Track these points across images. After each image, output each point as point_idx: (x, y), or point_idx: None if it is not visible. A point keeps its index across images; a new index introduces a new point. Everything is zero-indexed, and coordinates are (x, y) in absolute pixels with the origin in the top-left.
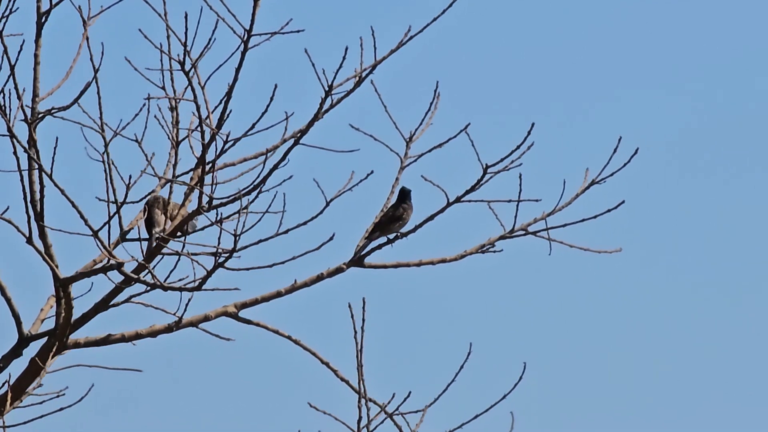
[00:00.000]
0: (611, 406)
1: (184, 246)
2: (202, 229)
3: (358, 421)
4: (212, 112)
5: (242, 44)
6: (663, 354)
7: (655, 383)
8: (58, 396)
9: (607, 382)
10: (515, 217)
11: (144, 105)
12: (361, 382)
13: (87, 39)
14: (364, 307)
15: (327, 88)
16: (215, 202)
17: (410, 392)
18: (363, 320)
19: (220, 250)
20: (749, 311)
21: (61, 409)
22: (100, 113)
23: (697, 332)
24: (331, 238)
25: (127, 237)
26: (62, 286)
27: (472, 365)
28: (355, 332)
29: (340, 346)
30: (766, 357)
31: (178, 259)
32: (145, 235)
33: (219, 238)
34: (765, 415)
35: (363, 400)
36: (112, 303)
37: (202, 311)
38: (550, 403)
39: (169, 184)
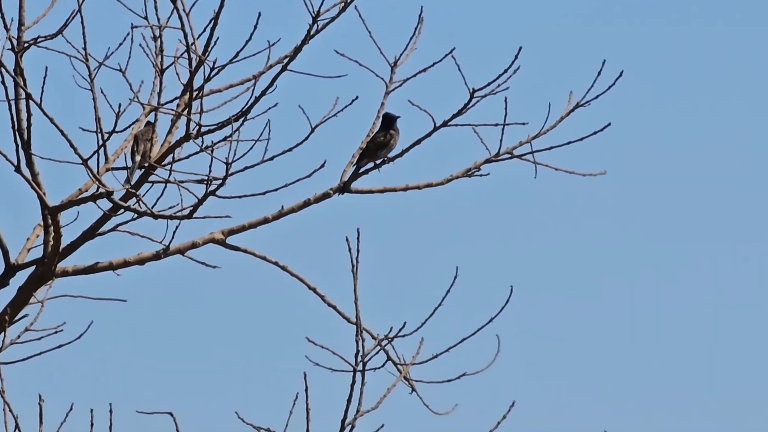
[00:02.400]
0: (596, 329)
1: (170, 173)
2: (187, 157)
3: (356, 354)
4: (197, 39)
5: None
6: (648, 276)
7: (638, 305)
8: (56, 332)
9: (591, 304)
10: (501, 140)
11: (128, 34)
12: (358, 315)
13: None
14: (358, 238)
15: (314, 14)
16: (203, 129)
17: (404, 323)
18: (358, 251)
19: (210, 178)
20: (735, 236)
21: (60, 346)
22: (84, 43)
23: (682, 254)
24: (322, 165)
25: (114, 166)
26: (51, 214)
27: (459, 289)
28: (352, 265)
29: (328, 271)
30: (750, 282)
31: (165, 187)
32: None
33: (210, 166)
34: (752, 344)
35: (360, 333)
36: (99, 232)
37: (189, 239)
38: (537, 326)
39: (155, 112)
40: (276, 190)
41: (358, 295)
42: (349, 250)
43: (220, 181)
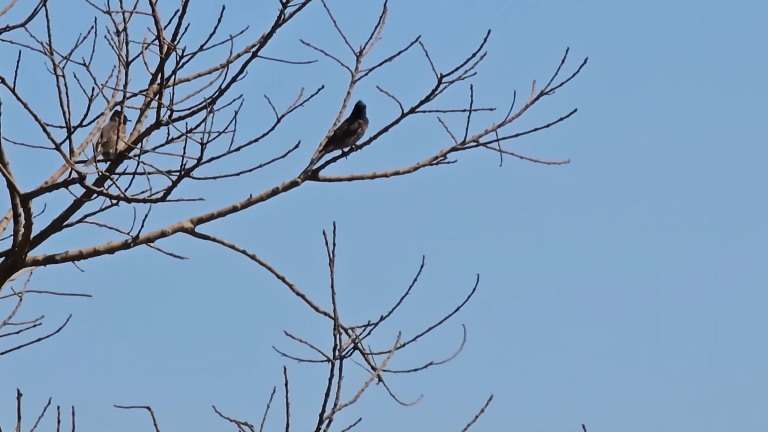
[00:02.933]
0: (562, 318)
1: (138, 162)
2: (153, 149)
3: (334, 348)
4: (165, 28)
5: None
6: (612, 263)
7: (604, 293)
8: (34, 325)
9: (557, 292)
10: (467, 128)
11: (92, 27)
12: (335, 309)
13: None
14: (334, 231)
15: (283, 2)
16: (174, 115)
17: (381, 317)
18: (334, 244)
19: (185, 160)
20: (699, 220)
21: (39, 339)
22: (49, 37)
23: (646, 242)
24: (296, 146)
25: (80, 159)
26: (23, 201)
27: (426, 278)
28: (329, 259)
29: (296, 259)
30: (715, 270)
31: (133, 178)
32: (99, 157)
33: (184, 148)
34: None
35: (337, 327)
36: (66, 223)
37: (158, 228)
38: (503, 315)
39: (121, 104)
40: (250, 170)
41: (335, 290)
42: (326, 243)
43: (195, 161)
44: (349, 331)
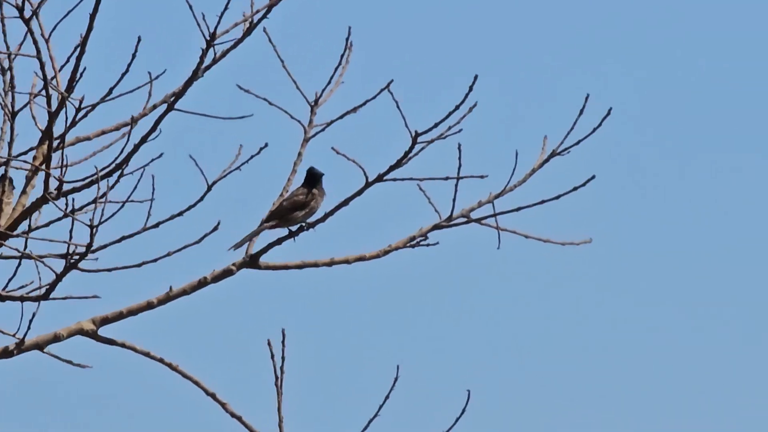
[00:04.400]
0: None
1: (26, 245)
2: (48, 224)
3: None
4: (60, 71)
5: None
6: (629, 361)
7: (619, 393)
8: None
9: (564, 393)
10: (453, 200)
11: None
12: None
13: None
14: (284, 341)
15: (208, 38)
16: (66, 187)
17: None
18: (283, 358)
19: (73, 248)
20: (727, 306)
21: None
22: None
23: (671, 331)
24: (215, 228)
25: None
26: None
27: (402, 392)
28: (276, 377)
29: (231, 370)
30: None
31: (20, 263)
32: None
33: (71, 232)
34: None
35: None
36: None
37: (50, 329)
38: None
39: (5, 166)
40: (155, 260)
41: (282, 415)
42: (272, 356)
43: (84, 250)
44: None
